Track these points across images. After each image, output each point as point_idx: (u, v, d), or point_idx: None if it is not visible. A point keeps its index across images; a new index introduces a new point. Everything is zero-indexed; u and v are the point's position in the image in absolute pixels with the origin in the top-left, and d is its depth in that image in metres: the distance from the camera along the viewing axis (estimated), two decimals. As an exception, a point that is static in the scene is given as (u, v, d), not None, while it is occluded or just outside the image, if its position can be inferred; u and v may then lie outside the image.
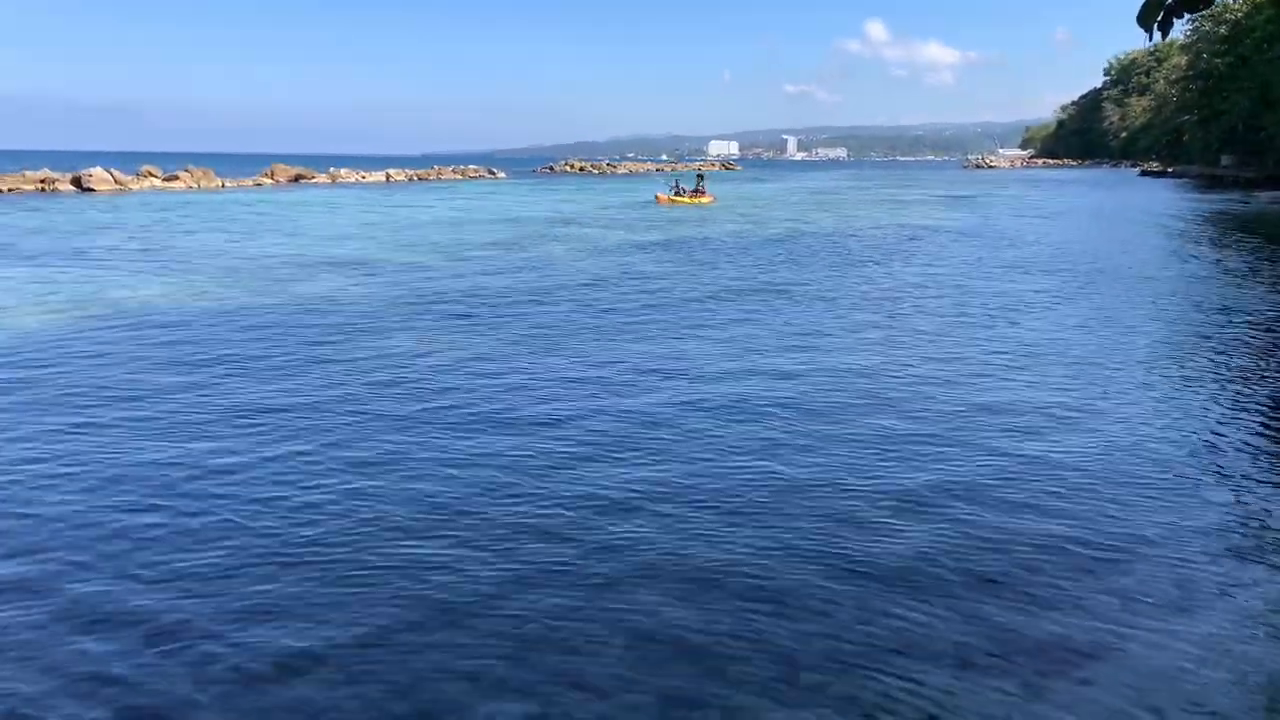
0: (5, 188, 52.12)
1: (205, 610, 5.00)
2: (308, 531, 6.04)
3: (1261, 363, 11.11)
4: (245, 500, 6.59)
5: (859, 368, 10.72)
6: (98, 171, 55.94)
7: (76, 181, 54.28)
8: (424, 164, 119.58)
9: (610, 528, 6.07)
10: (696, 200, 47.44)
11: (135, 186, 57.23)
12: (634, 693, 4.25)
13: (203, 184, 61.66)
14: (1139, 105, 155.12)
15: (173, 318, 14.02)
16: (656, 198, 47.55)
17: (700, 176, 52.03)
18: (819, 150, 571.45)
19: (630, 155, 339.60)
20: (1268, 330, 13.12)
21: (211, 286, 17.32)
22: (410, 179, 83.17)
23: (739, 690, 4.25)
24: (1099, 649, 4.60)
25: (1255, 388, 9.89)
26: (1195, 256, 22.88)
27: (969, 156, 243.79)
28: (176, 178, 61.02)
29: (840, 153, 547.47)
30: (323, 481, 6.95)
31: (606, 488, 6.79)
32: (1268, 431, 8.32)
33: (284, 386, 9.85)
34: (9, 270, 19.49)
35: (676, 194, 47.74)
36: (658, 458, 7.47)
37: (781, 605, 5.01)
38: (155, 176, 60.25)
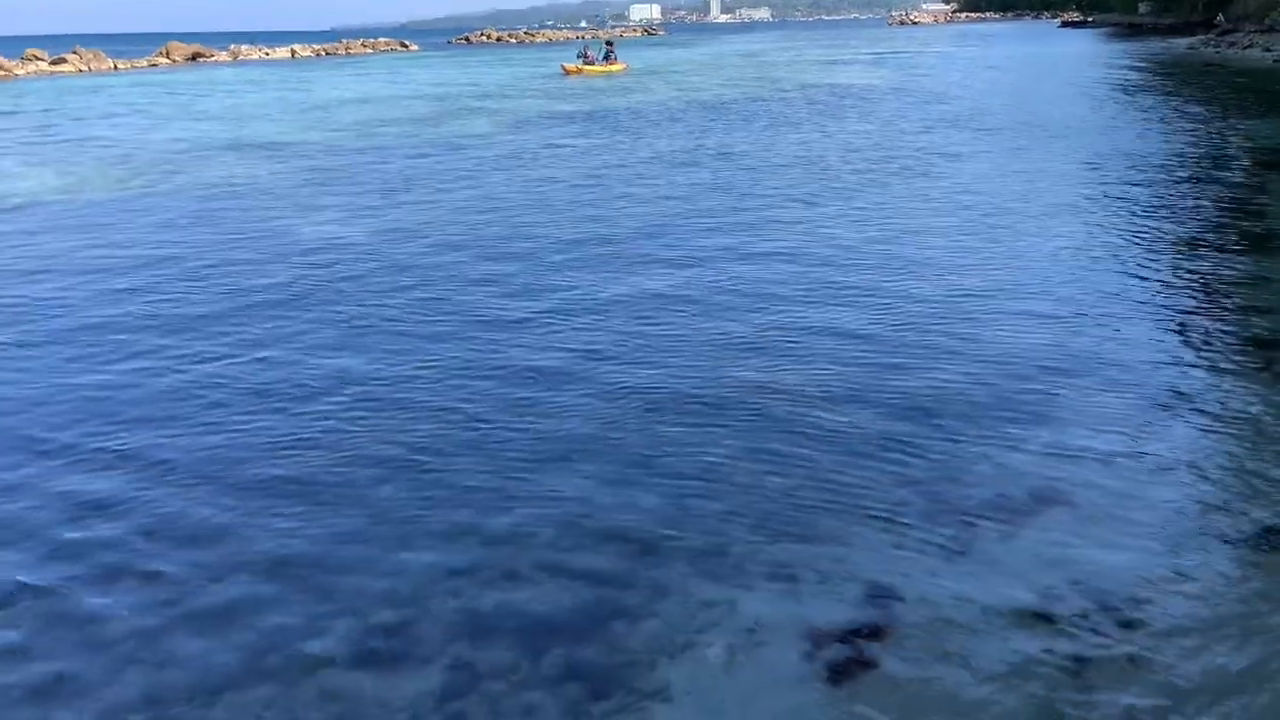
0: (-125, 77, 48.49)
1: (155, 520, 4.79)
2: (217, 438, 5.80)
3: (1172, 203, 11.23)
4: (148, 409, 6.29)
5: (789, 227, 10.57)
6: (-24, 57, 52.22)
7: (-46, 68, 50.71)
8: (332, 38, 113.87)
9: (533, 408, 5.93)
10: (607, 69, 44.83)
11: (20, 71, 53.64)
12: (563, 575, 4.19)
13: (94, 66, 58.05)
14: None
15: (72, 211, 13.23)
16: (562, 68, 44.56)
17: (609, 44, 49.41)
18: (743, 12, 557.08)
19: (549, 23, 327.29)
20: (1182, 174, 13.25)
21: (110, 176, 16.36)
22: (317, 54, 79.41)
23: (667, 566, 4.21)
24: (1019, 503, 4.64)
25: (1167, 227, 10.01)
26: (1115, 104, 22.94)
27: (893, 13, 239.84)
28: (65, 60, 57.30)
29: (764, 14, 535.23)
30: (230, 377, 6.67)
31: (535, 364, 6.62)
32: (1180, 270, 8.42)
33: (192, 280, 9.38)
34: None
35: (586, 63, 45.21)
36: (587, 332, 7.30)
37: (707, 481, 4.96)
38: (41, 60, 56.51)
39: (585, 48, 48.40)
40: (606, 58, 46.20)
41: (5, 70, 52.67)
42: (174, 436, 5.70)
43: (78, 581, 4.26)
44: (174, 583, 4.22)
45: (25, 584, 4.25)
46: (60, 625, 3.96)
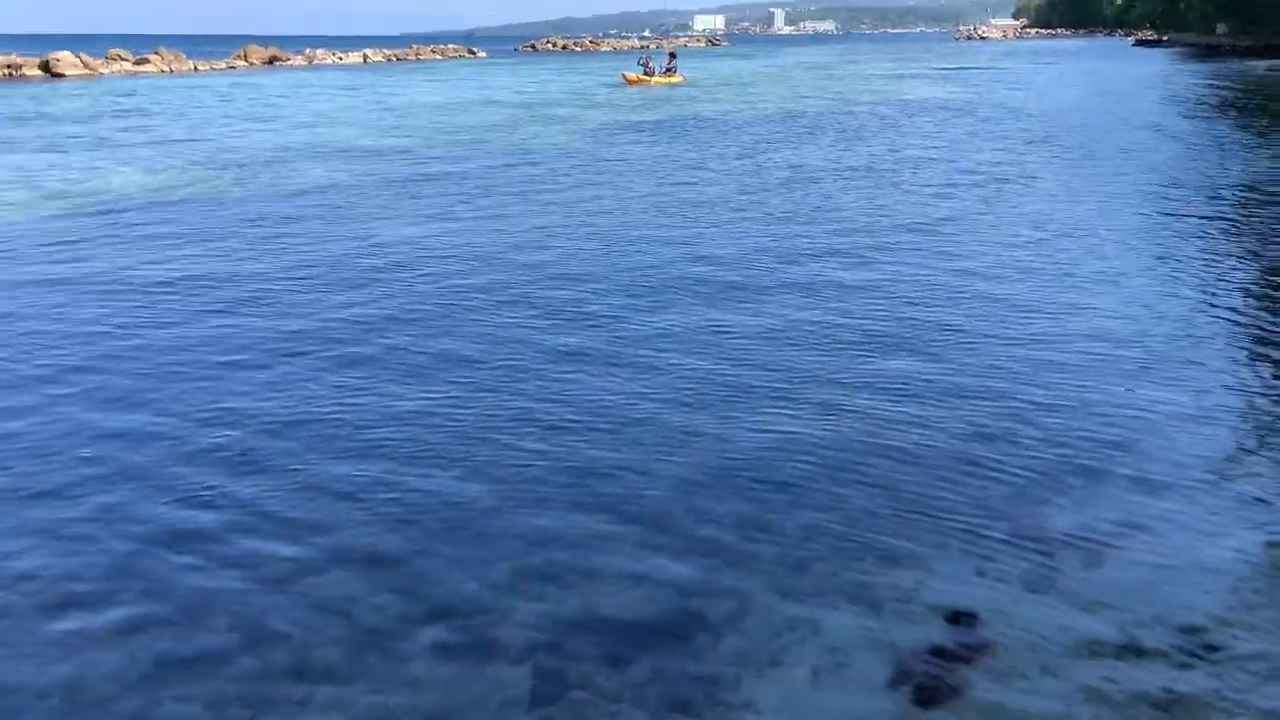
0: (-31, 74, 50.42)
1: (257, 513, 4.98)
2: (305, 432, 5.98)
3: (1255, 231, 11.00)
4: (241, 397, 6.51)
5: (860, 250, 10.55)
6: (66, 56, 54.00)
7: (44, 66, 52.42)
8: (402, 44, 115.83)
9: (610, 412, 6.03)
10: (667, 80, 44.23)
11: (105, 71, 55.37)
12: (646, 585, 4.27)
13: (174, 67, 59.68)
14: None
15: (154, 208, 13.68)
16: (624, 77, 44.10)
17: (671, 55, 48.48)
18: (807, 24, 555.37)
19: (613, 32, 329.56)
20: (1265, 201, 12.96)
21: (191, 175, 16.88)
22: (389, 59, 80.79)
23: (749, 580, 4.26)
24: (1106, 534, 4.62)
25: (1249, 255, 9.83)
26: (1192, 126, 22.48)
27: (960, 28, 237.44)
28: (147, 60, 59.01)
29: (829, 26, 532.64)
30: (319, 373, 6.87)
31: (614, 374, 6.72)
32: (1266, 301, 8.27)
33: (270, 278, 9.66)
34: (-19, 161, 18.94)
35: (647, 73, 44.47)
36: (665, 348, 7.39)
37: (790, 495, 5.01)
38: (125, 60, 58.26)
39: (647, 58, 47.80)
40: (668, 69, 45.63)
41: (91, 69, 54.42)
42: (265, 434, 5.90)
43: (183, 569, 4.44)
44: (275, 575, 4.38)
45: (133, 570, 4.44)
46: (167, 609, 4.14)
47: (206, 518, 4.90)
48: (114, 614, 4.12)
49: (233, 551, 4.58)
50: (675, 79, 44.89)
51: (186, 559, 4.52)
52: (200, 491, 5.17)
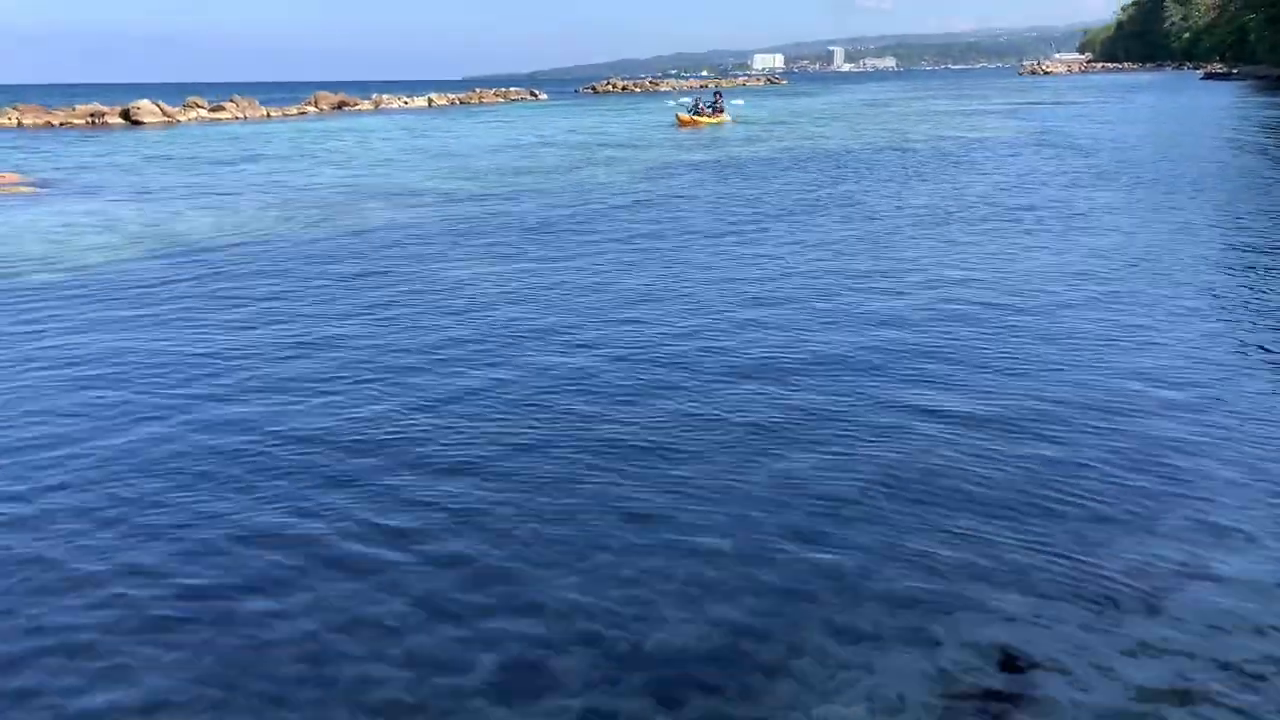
0: (56, 122, 52.78)
1: (318, 547, 5.15)
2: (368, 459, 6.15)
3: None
4: (301, 438, 6.72)
5: (920, 285, 10.54)
6: (145, 104, 56.30)
7: (125, 115, 54.70)
8: (466, 87, 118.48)
9: (666, 453, 6.10)
10: (713, 120, 43.31)
11: (183, 118, 57.54)
12: (699, 621, 4.32)
13: (248, 114, 61.81)
14: (1203, 4, 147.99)
15: (233, 250, 14.18)
16: (678, 119, 43.19)
17: (718, 94, 47.16)
18: (867, 61, 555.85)
19: (673, 72, 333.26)
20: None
21: (267, 218, 17.47)
22: (453, 103, 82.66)
23: (802, 621, 4.28)
24: (1167, 579, 4.55)
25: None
26: (1263, 161, 22.01)
27: (1024, 62, 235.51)
28: (222, 108, 61.21)
29: (889, 63, 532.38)
30: (385, 410, 7.06)
31: (665, 410, 6.80)
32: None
33: (347, 315, 9.96)
34: (68, 205, 19.80)
35: (697, 113, 43.67)
36: (719, 379, 7.46)
37: (845, 533, 5.02)
38: (202, 108, 60.50)
39: (698, 99, 47.20)
40: (713, 108, 44.63)
41: (169, 117, 56.64)
42: (322, 473, 6.08)
43: (244, 593, 4.60)
44: (335, 604, 4.52)
45: (197, 595, 4.61)
46: (228, 639, 4.29)
47: (272, 553, 5.06)
48: (178, 640, 4.28)
49: (291, 581, 4.72)
50: (721, 118, 43.94)
51: (241, 581, 4.69)
52: (296, 503, 5.35)
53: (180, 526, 5.38)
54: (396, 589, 4.66)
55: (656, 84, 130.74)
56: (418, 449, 6.37)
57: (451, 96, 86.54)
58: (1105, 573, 4.59)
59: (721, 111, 44.46)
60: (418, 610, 4.48)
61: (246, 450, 6.43)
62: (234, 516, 5.48)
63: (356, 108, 72.33)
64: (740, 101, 44.38)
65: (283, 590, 4.68)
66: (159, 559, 5.01)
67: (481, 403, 7.24)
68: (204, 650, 4.22)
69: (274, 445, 6.51)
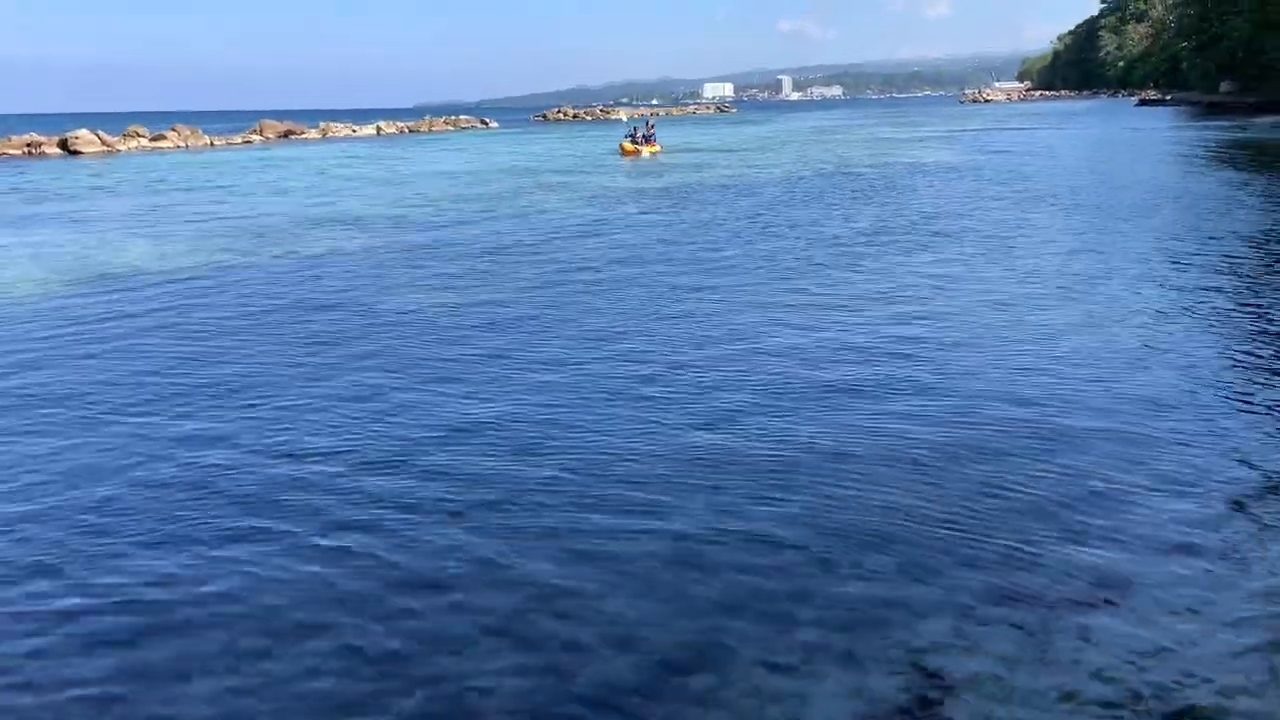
0: (-8, 153, 51.60)
1: (195, 567, 4.96)
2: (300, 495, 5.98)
3: (1257, 287, 10.98)
4: (237, 469, 6.53)
5: (858, 306, 10.58)
6: (84, 134, 55.30)
7: (63, 145, 53.68)
8: (417, 115, 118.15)
9: (600, 469, 6.00)
10: (648, 149, 41.67)
11: (123, 147, 56.63)
12: (631, 650, 4.22)
13: (190, 143, 61.01)
14: (1136, 33, 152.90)
15: (168, 281, 13.87)
16: (621, 148, 41.93)
17: (650, 124, 45.15)
18: (814, 89, 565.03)
19: (624, 101, 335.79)
20: (1267, 259, 12.96)
21: (205, 248, 17.14)
22: (402, 131, 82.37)
23: (735, 649, 4.20)
24: (1088, 594, 4.55)
25: (1248, 311, 9.79)
26: (1195, 183, 22.59)
27: (965, 91, 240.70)
28: (164, 137, 60.35)
29: (836, 91, 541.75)
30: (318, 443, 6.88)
31: (611, 432, 6.71)
32: (1261, 359, 8.21)
33: (283, 348, 9.75)
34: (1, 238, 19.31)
35: (635, 141, 42.06)
36: (649, 406, 7.39)
37: (781, 556, 4.95)
38: (142, 137, 59.59)
39: (635, 128, 44.90)
40: (646, 139, 42.67)
41: (109, 146, 55.67)
42: (269, 513, 5.89)
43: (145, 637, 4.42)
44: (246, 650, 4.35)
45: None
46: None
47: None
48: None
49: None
50: (654, 148, 42.23)
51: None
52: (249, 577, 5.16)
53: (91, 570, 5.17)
54: (308, 634, 4.49)
55: (608, 112, 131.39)
56: (353, 480, 6.20)
57: (400, 125, 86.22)
58: (1037, 595, 4.57)
59: (652, 141, 42.89)
60: (314, 643, 4.32)
61: (185, 482, 6.22)
62: (143, 558, 5.28)
63: (303, 136, 71.71)
64: (657, 148, 42.37)
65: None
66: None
67: (423, 431, 7.09)
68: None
69: (211, 477, 6.31)
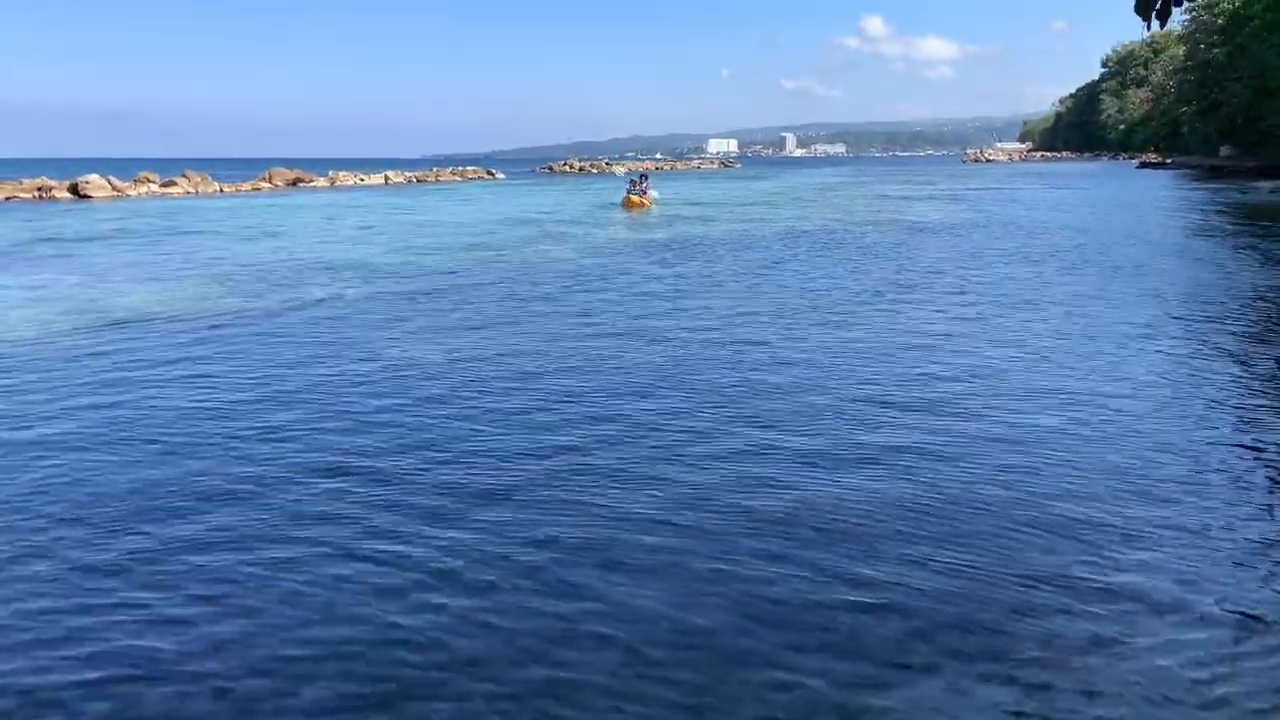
0: (2, 196, 52.11)
1: (195, 631, 4.91)
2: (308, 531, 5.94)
3: (1262, 349, 10.98)
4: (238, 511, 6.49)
5: (874, 365, 10.58)
6: (94, 178, 55.86)
7: (74, 189, 54.20)
8: (423, 165, 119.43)
9: (598, 525, 5.96)
10: (644, 201, 41.48)
11: (133, 193, 57.16)
12: (631, 708, 4.15)
13: (200, 189, 61.58)
14: (1137, 97, 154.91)
15: (172, 326, 13.92)
16: (626, 201, 41.50)
17: (644, 176, 44.81)
18: (818, 147, 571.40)
19: (629, 155, 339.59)
20: (1264, 321, 12.99)
21: (209, 294, 17.22)
22: (409, 181, 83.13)
23: (738, 704, 4.15)
24: (1100, 649, 4.49)
25: (1245, 372, 9.78)
26: (1195, 247, 22.74)
27: (967, 151, 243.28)
28: (174, 183, 60.92)
29: (839, 149, 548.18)
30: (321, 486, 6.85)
31: (595, 480, 6.68)
32: (1273, 421, 8.19)
33: (287, 392, 9.75)
34: (6, 279, 19.40)
35: (635, 194, 41.84)
36: (644, 458, 7.36)
37: (781, 613, 4.91)
38: (153, 182, 60.20)
39: (632, 181, 44.52)
40: (640, 191, 42.10)
41: (119, 191, 56.20)
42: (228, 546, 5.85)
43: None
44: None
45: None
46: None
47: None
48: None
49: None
50: (646, 201, 41.59)
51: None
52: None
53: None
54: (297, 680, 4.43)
55: (612, 165, 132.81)
56: (355, 527, 6.16)
57: (409, 175, 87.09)
58: (1036, 651, 4.52)
59: (645, 194, 42.28)
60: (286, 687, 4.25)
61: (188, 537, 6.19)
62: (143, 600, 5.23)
63: (312, 184, 72.42)
64: (657, 194, 41.90)
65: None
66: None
67: (425, 478, 7.06)
68: None
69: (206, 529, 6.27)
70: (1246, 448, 7.55)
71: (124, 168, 75.81)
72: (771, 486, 6.74)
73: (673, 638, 4.68)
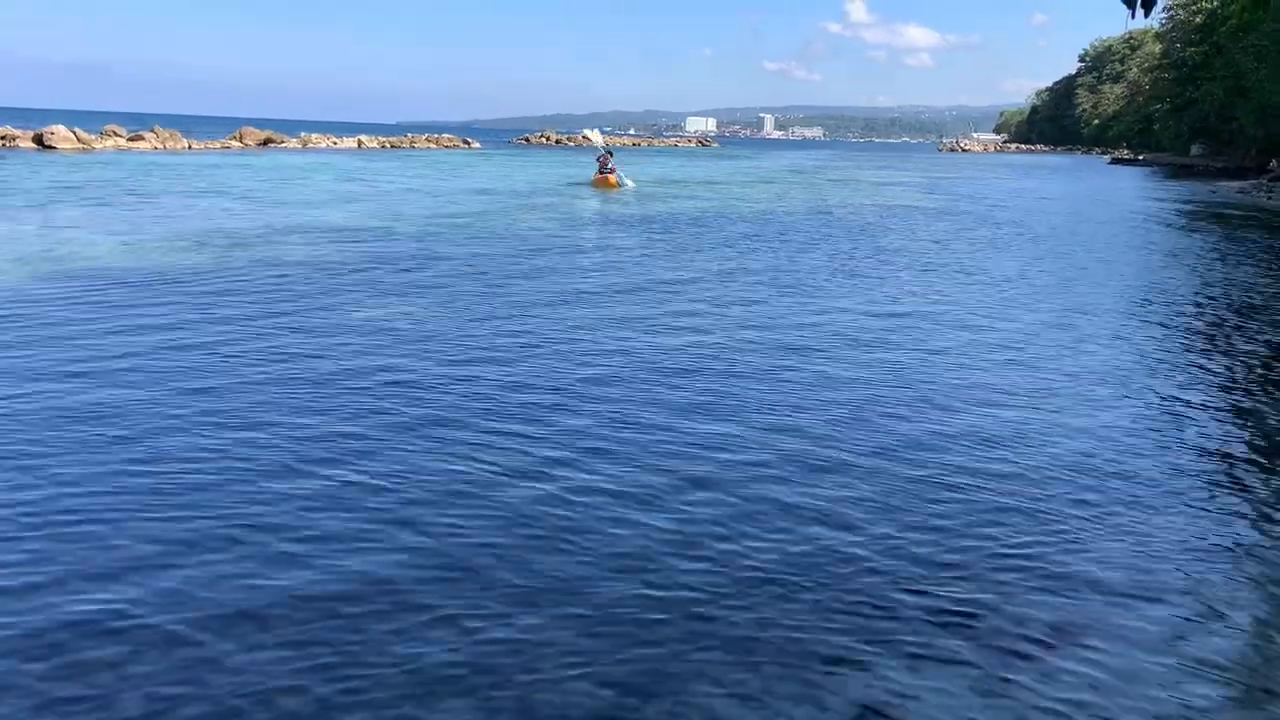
0: (-36, 143, 50.89)
1: (156, 581, 4.80)
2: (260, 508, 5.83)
3: (1221, 345, 11.10)
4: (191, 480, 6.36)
5: (836, 354, 10.58)
6: (59, 129, 54.59)
7: (38, 139, 52.96)
8: (398, 131, 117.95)
9: (559, 508, 5.91)
10: (606, 181, 37.24)
11: (99, 145, 55.97)
12: (587, 681, 4.10)
13: (169, 145, 60.37)
14: (1112, 93, 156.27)
15: (128, 280, 13.63)
16: (594, 181, 37.87)
17: (608, 153, 39.20)
18: (795, 129, 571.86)
19: (607, 129, 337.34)
20: (1222, 316, 13.14)
21: (169, 249, 16.88)
22: (383, 146, 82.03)
23: (693, 680, 4.11)
24: (1060, 640, 4.50)
25: (1218, 374, 9.88)
26: (1160, 241, 22.96)
27: (943, 139, 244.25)
28: (141, 138, 59.68)
29: (816, 132, 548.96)
30: (268, 456, 6.73)
31: (569, 472, 6.62)
32: (1230, 417, 8.28)
33: (239, 353, 9.57)
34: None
35: (603, 171, 37.69)
36: (586, 434, 7.31)
37: (743, 591, 4.87)
38: (119, 136, 58.96)
39: (599, 159, 38.96)
40: (610, 170, 37.76)
41: (84, 143, 55.00)
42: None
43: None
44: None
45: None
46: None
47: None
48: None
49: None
50: (613, 180, 37.33)
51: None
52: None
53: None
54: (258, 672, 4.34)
55: (588, 139, 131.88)
56: (322, 500, 6.05)
57: (382, 140, 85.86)
58: (998, 638, 4.52)
59: (612, 172, 37.76)
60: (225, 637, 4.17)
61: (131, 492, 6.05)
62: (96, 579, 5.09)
63: (283, 145, 71.29)
64: (631, 184, 39.23)
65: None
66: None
67: (385, 445, 6.95)
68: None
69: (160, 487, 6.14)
70: (1210, 436, 7.62)
71: (92, 120, 74.18)
72: (722, 466, 6.71)
73: (636, 607, 4.64)
